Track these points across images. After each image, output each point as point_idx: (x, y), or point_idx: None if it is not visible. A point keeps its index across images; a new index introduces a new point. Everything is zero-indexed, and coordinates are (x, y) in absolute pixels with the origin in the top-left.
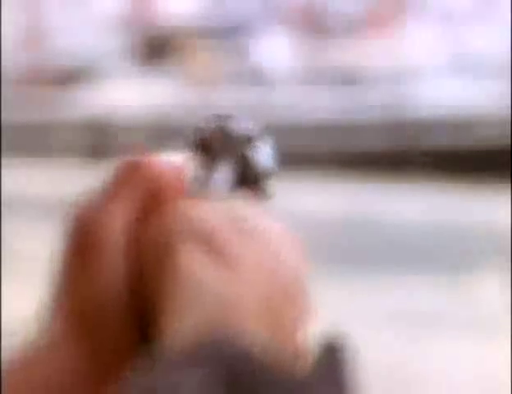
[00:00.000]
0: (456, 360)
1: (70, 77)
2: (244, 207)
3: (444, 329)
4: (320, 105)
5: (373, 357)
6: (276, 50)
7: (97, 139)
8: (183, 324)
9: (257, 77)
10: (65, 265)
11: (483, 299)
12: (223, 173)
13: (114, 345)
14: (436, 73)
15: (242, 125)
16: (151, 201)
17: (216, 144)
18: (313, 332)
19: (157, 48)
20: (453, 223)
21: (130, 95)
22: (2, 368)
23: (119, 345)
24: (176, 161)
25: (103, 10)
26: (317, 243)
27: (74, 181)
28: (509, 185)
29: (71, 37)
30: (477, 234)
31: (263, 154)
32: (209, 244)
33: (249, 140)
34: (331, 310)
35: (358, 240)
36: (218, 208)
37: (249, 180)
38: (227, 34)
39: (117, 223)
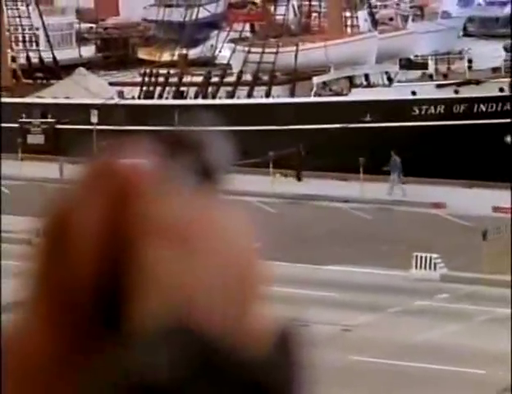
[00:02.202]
0: None
1: None
2: (202, 201)
3: None
4: None
5: None
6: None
7: None
8: (147, 310)
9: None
10: (39, 255)
11: None
12: (183, 172)
13: (84, 328)
14: None
15: (198, 130)
16: (118, 199)
17: (176, 149)
18: (266, 315)
19: None
20: None
21: None
22: None
23: (89, 329)
24: (141, 162)
25: None
26: None
27: None
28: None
29: None
30: None
31: (216, 155)
32: (171, 236)
33: (203, 143)
34: None
35: None
36: (180, 203)
37: (205, 176)
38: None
39: (88, 218)
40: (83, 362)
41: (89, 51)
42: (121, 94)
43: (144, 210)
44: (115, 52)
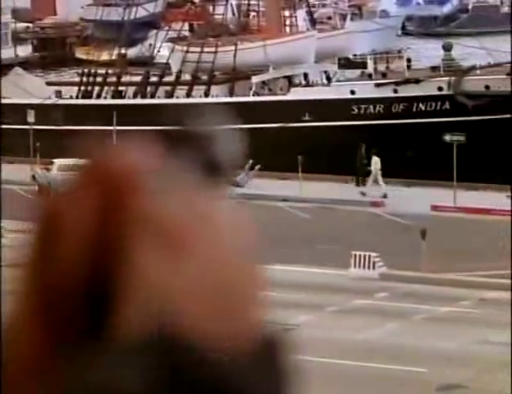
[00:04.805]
0: None
1: None
2: (202, 201)
3: None
4: None
5: None
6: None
7: None
8: (131, 315)
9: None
10: (30, 254)
11: None
12: (186, 168)
13: (71, 333)
14: None
15: (206, 124)
16: (110, 200)
17: (181, 145)
18: (256, 320)
19: None
20: None
21: None
22: None
23: (75, 333)
24: (138, 162)
25: None
26: None
27: None
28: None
29: None
30: None
31: (224, 150)
32: (164, 238)
33: (210, 140)
34: None
35: None
36: (177, 202)
37: (211, 172)
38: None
39: (78, 220)
40: (64, 368)
41: (25, 50)
42: (58, 94)
43: (135, 212)
44: (52, 51)
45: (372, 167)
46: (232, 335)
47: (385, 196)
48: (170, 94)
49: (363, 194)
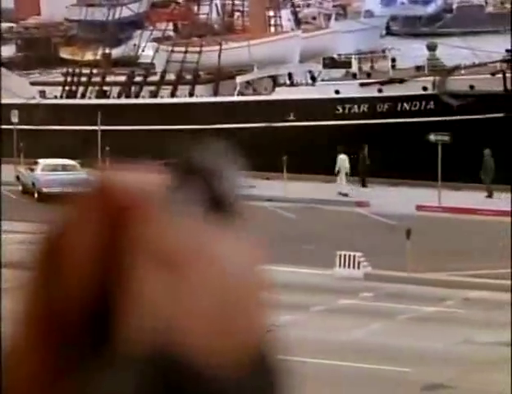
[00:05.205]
0: None
1: None
2: (204, 230)
3: None
4: None
5: None
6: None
7: None
8: (130, 335)
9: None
10: (32, 277)
11: None
12: (190, 200)
13: (72, 352)
14: None
15: (212, 157)
16: (113, 221)
17: (187, 176)
18: (261, 341)
19: None
20: None
21: None
22: None
23: (76, 353)
24: (144, 182)
25: None
26: None
27: None
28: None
29: None
30: None
31: (229, 184)
32: (163, 260)
33: (215, 172)
34: None
35: None
36: (179, 229)
37: (215, 206)
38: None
39: (81, 240)
40: (66, 386)
41: (9, 50)
42: (42, 94)
43: (138, 234)
44: (36, 51)
45: (340, 166)
46: (229, 352)
47: (346, 195)
48: (154, 94)
49: (343, 194)
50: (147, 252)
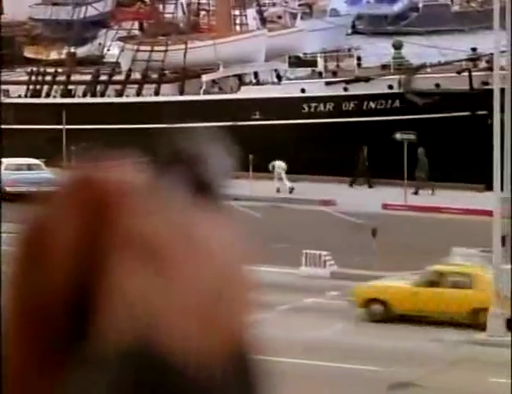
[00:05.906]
0: None
1: None
2: (189, 217)
3: None
4: None
5: None
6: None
7: None
8: (110, 327)
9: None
10: (15, 268)
11: None
12: (175, 186)
13: (54, 343)
14: None
15: (197, 143)
16: (94, 212)
17: (171, 162)
18: (238, 335)
19: None
20: None
21: None
22: None
23: (58, 344)
24: (127, 173)
25: None
26: None
27: None
28: None
29: None
30: None
31: (213, 169)
32: (145, 254)
33: (200, 158)
34: None
35: None
36: (162, 220)
37: (200, 191)
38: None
39: (63, 231)
40: (47, 379)
41: None
42: (6, 93)
43: (118, 229)
44: (0, 50)
45: (276, 167)
46: (209, 349)
47: (291, 190)
48: (120, 93)
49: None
50: (128, 244)
